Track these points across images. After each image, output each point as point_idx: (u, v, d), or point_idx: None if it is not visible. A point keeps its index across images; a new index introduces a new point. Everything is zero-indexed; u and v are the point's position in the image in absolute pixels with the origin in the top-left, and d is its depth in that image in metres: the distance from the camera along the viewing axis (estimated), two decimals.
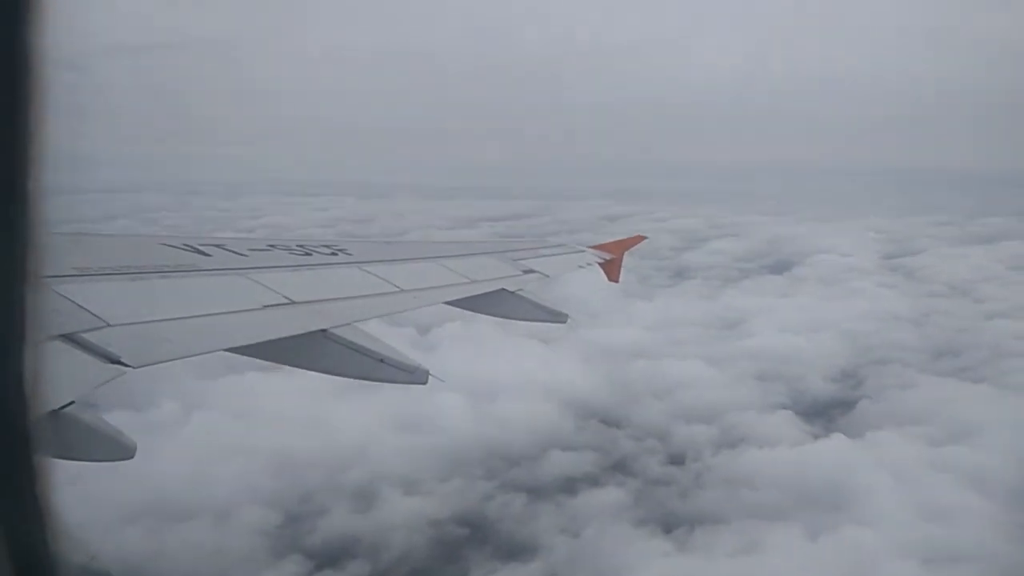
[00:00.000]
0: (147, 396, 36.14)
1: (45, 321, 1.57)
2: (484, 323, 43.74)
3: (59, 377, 3.22)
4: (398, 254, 8.07)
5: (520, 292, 8.51)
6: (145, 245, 5.93)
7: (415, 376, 5.79)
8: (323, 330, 5.30)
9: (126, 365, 3.77)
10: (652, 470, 32.51)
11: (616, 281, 12.76)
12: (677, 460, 33.22)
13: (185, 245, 5.94)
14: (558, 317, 8.94)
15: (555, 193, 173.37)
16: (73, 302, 4.03)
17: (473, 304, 7.87)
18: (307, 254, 6.94)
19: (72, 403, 3.35)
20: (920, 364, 46.14)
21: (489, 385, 37.89)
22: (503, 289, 8.25)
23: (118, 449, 3.87)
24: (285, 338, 5.06)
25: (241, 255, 6.16)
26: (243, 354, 4.92)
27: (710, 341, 48.68)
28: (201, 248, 5.98)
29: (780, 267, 78.81)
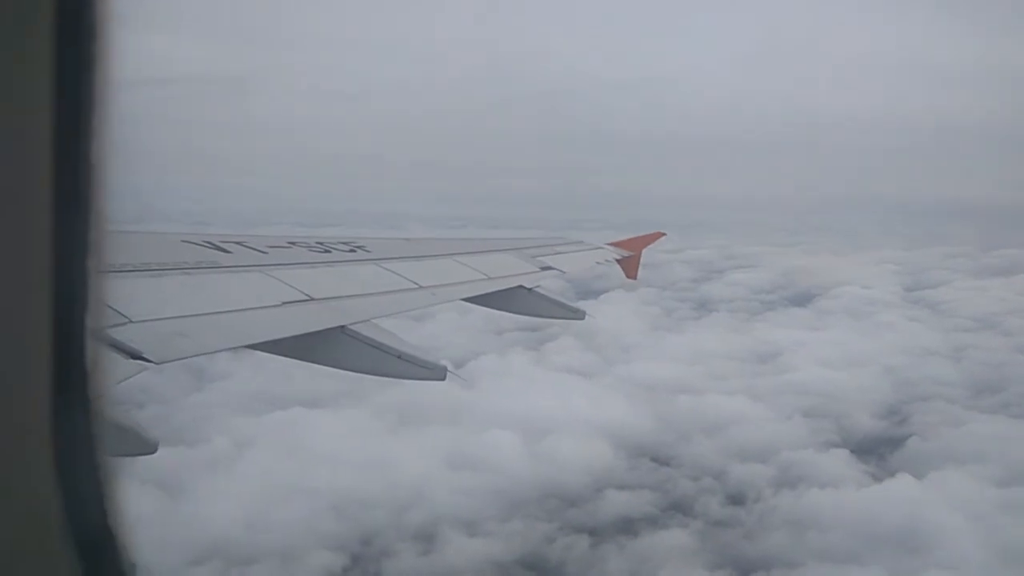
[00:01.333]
0: (195, 431, 35.68)
1: (105, 313, 1.59)
2: (519, 356, 43.23)
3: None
4: (416, 251, 8.07)
5: (538, 288, 8.51)
6: (166, 242, 5.86)
7: (434, 373, 5.74)
8: (342, 326, 5.31)
9: (148, 361, 3.79)
10: (713, 511, 31.94)
11: (634, 278, 12.83)
12: (737, 500, 32.66)
13: (206, 242, 5.96)
14: (576, 314, 9.07)
15: (563, 224, 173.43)
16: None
17: (491, 301, 7.93)
18: (326, 251, 6.96)
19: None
20: (963, 400, 45.68)
21: (536, 422, 37.39)
22: (521, 286, 8.28)
23: (141, 444, 3.85)
24: (304, 334, 5.11)
25: (261, 252, 6.18)
26: (263, 350, 4.95)
27: (750, 376, 48.21)
28: (222, 245, 5.99)
29: (802, 299, 78.48)
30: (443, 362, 5.91)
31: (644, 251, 12.83)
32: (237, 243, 6.23)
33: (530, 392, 42.18)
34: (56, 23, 1.31)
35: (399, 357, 5.52)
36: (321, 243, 7.21)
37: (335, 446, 34.08)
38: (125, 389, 3.65)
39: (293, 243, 6.97)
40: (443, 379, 5.83)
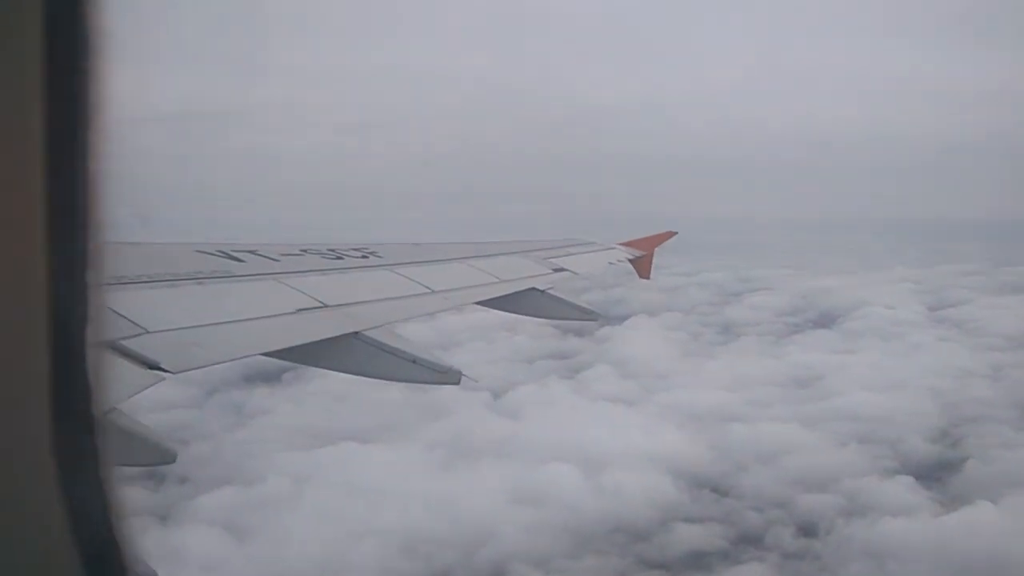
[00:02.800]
0: (248, 469, 35.01)
1: (105, 327, 1.60)
2: (557, 385, 42.61)
3: (109, 385, 3.06)
4: (428, 256, 8.06)
5: (550, 290, 8.46)
6: (180, 252, 5.86)
7: (447, 377, 5.73)
8: (356, 332, 5.33)
9: (165, 371, 3.80)
10: (787, 543, 31.26)
11: (647, 277, 12.79)
12: (809, 532, 31.99)
13: (219, 251, 5.99)
14: (589, 315, 9.01)
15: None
16: (111, 310, 4.00)
17: (504, 304, 7.89)
18: (339, 258, 6.99)
19: (113, 409, 3.28)
20: (1012, 421, 45.13)
21: (590, 453, 36.73)
22: (533, 288, 8.27)
23: (160, 454, 3.83)
24: (318, 341, 5.11)
25: (274, 260, 6.21)
26: (278, 358, 5.05)
27: (794, 402, 47.63)
28: (235, 254, 6.02)
29: (826, 321, 78.06)
30: (455, 366, 5.83)
31: (655, 255, 12.80)
32: (250, 252, 6.23)
33: (577, 422, 41.57)
34: (47, 32, 1.31)
35: (413, 361, 5.50)
36: (333, 250, 7.20)
37: (394, 482, 33.41)
38: (143, 399, 3.60)
39: (305, 250, 6.95)
40: (457, 383, 5.81)
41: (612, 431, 40.06)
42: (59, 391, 1.42)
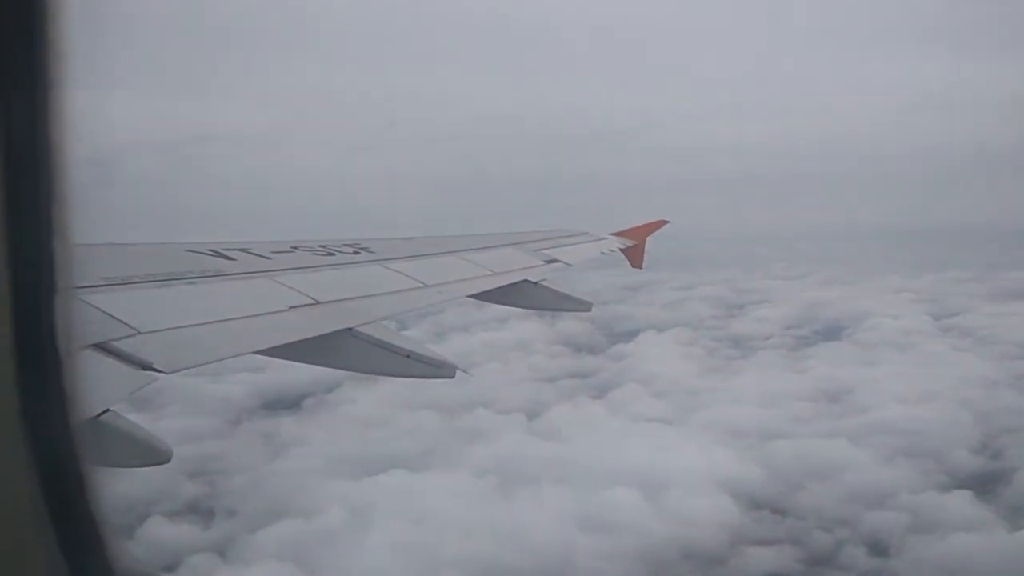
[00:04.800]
0: (302, 501, 34.20)
1: (78, 331, 1.60)
2: (592, 405, 41.99)
3: (94, 385, 3.19)
4: (420, 250, 8.06)
5: (543, 282, 8.47)
6: (170, 252, 5.84)
7: (442, 371, 5.74)
8: (349, 328, 5.33)
9: (159, 371, 3.79)
10: (862, 562, 30.97)
11: (639, 267, 13.03)
12: (881, 550, 31.72)
13: (210, 250, 5.99)
14: (583, 306, 8.88)
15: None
16: (103, 311, 4.06)
17: (497, 296, 7.89)
18: (330, 254, 6.98)
19: (108, 410, 3.31)
20: None
21: (645, 476, 36.31)
22: (526, 280, 8.28)
23: (154, 454, 3.79)
24: (312, 338, 5.10)
25: (265, 258, 6.20)
26: (272, 355, 5.01)
27: (831, 416, 47.48)
28: (225, 253, 6.02)
29: (833, 333, 78.15)
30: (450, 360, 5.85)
31: (647, 244, 12.89)
32: (241, 250, 6.23)
33: (623, 444, 41.16)
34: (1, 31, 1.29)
35: (408, 356, 5.51)
36: (324, 246, 7.20)
37: (456, 510, 32.79)
38: (136, 400, 3.60)
39: (296, 247, 6.93)
40: (452, 376, 5.79)
41: (661, 451, 39.67)
42: (31, 398, 1.39)
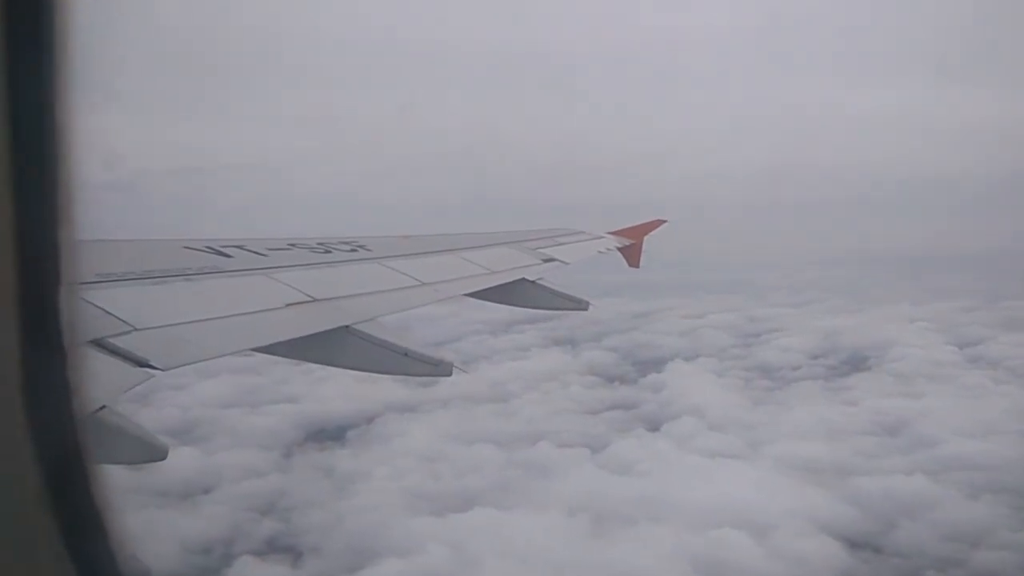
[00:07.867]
0: (392, 540, 33.26)
1: (81, 327, 1.59)
2: (653, 438, 41.05)
3: (90, 382, 2.98)
4: (417, 248, 8.04)
5: (540, 281, 8.47)
6: (167, 249, 5.80)
7: (439, 369, 5.75)
8: (346, 326, 5.31)
9: (155, 368, 3.78)
10: None
11: (637, 266, 12.80)
12: None
13: (207, 247, 5.96)
14: (579, 304, 8.86)
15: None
16: (99, 307, 4.02)
17: (494, 295, 7.88)
18: (327, 252, 6.97)
19: (103, 407, 3.29)
20: None
21: (741, 514, 35.61)
22: (523, 279, 8.30)
23: (151, 451, 3.75)
24: (309, 336, 5.10)
25: (262, 255, 6.17)
26: (269, 353, 4.98)
27: (898, 451, 46.94)
28: (222, 250, 6.00)
29: (859, 363, 77.95)
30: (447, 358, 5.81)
31: (645, 242, 12.89)
32: (238, 247, 6.21)
33: (700, 480, 40.49)
34: (8, 33, 1.29)
35: (405, 354, 5.50)
36: (322, 244, 7.20)
37: (563, 550, 31.92)
38: (132, 397, 3.56)
39: (293, 245, 6.93)
40: (449, 374, 5.80)
41: (746, 489, 39.02)
42: (36, 391, 1.38)
